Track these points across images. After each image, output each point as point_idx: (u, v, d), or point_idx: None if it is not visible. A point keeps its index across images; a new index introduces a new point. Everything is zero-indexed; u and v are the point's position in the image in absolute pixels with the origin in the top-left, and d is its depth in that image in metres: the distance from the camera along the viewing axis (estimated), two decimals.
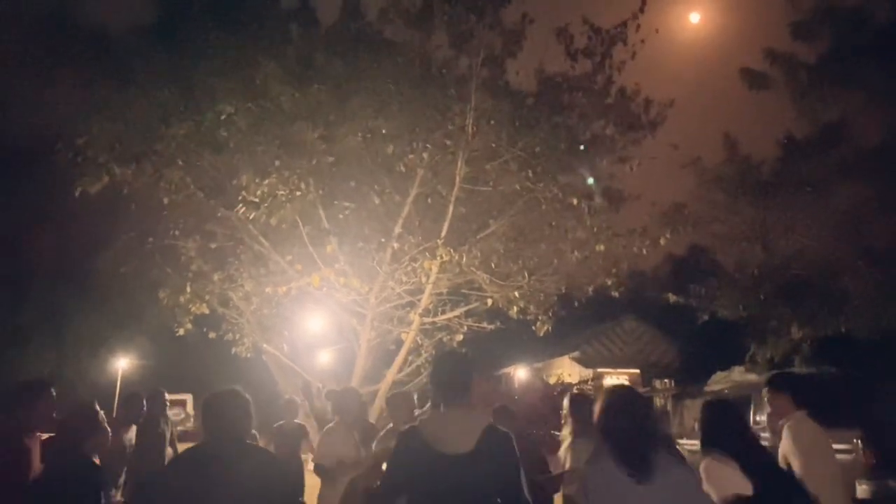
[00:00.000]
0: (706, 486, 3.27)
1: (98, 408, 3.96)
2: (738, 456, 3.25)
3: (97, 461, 3.82)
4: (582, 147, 9.86)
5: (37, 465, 3.92)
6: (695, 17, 20.63)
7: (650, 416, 3.20)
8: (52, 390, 4.19)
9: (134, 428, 6.29)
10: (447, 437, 2.87)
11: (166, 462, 6.13)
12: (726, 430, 3.40)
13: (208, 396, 3.17)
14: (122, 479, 5.91)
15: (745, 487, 3.16)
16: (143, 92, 9.37)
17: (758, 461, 3.29)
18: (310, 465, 7.94)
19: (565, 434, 4.79)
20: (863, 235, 14.84)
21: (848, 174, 15.08)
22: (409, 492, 2.89)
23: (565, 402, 4.90)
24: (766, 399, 4.50)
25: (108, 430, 3.95)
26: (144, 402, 6.46)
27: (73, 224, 16.86)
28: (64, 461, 3.65)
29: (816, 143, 15.87)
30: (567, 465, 4.67)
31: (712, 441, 3.42)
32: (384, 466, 3.29)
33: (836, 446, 7.48)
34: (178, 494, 2.90)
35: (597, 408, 3.10)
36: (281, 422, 7.95)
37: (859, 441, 7.42)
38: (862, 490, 7.25)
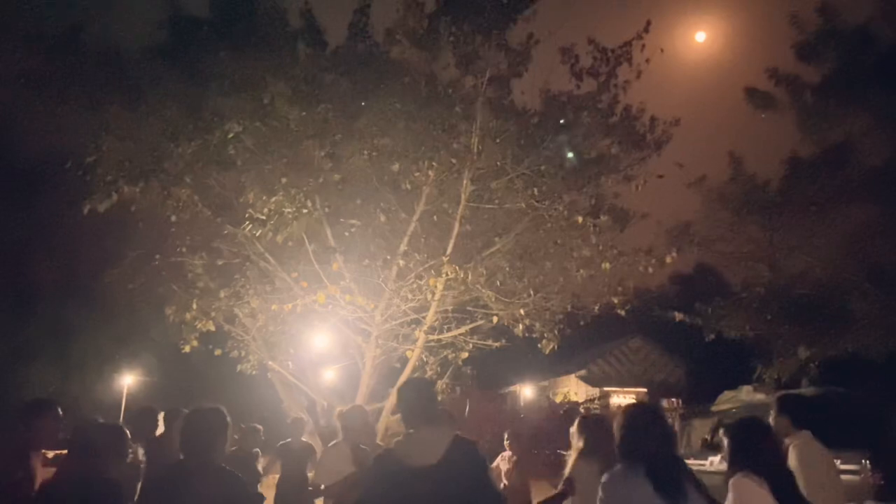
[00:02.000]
0: None
1: (125, 428, 3.90)
2: (769, 477, 3.21)
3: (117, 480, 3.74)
4: (562, 171, 9.82)
5: (38, 482, 3.90)
6: (700, 37, 20.73)
7: (673, 436, 3.20)
8: (59, 409, 4.20)
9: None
10: (417, 453, 3.08)
11: None
12: (758, 449, 3.36)
13: (188, 413, 3.20)
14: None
15: None
16: (152, 111, 9.47)
17: (786, 485, 3.24)
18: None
19: (572, 453, 4.76)
20: (869, 256, 14.79)
21: (854, 195, 15.06)
22: None
23: (574, 425, 4.86)
24: (770, 419, 4.50)
25: (130, 450, 3.90)
26: (160, 418, 6.40)
27: (81, 241, 16.94)
28: (88, 482, 3.55)
29: (822, 163, 15.86)
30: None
31: (743, 459, 3.37)
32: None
33: (844, 467, 7.44)
34: None
35: (616, 427, 3.11)
36: (287, 440, 7.90)
37: (867, 462, 7.37)
38: None
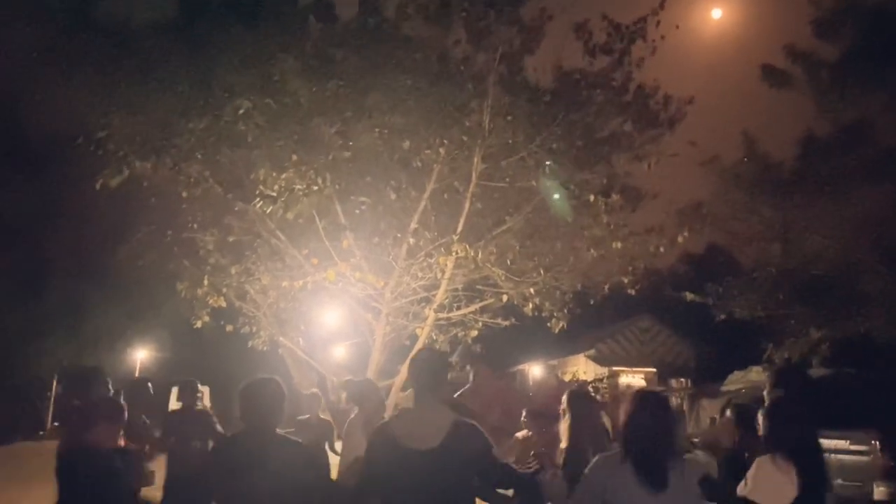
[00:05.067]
0: (749, 483, 3.27)
1: (122, 400, 4.00)
2: (798, 459, 3.21)
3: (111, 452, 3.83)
4: (574, 150, 9.72)
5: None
6: (716, 13, 20.46)
7: (675, 427, 3.19)
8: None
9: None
10: (416, 433, 2.98)
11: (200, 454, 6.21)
12: (791, 430, 3.35)
13: (245, 384, 3.27)
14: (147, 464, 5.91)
15: (789, 495, 3.13)
16: (162, 87, 9.43)
17: (814, 466, 3.24)
18: (335, 459, 8.00)
19: (563, 429, 4.82)
20: (883, 236, 14.68)
21: (868, 174, 14.93)
22: (383, 488, 3.02)
23: (563, 398, 4.93)
24: (765, 392, 4.50)
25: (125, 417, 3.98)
26: (150, 386, 6.50)
27: (93, 217, 17.03)
28: (85, 454, 3.66)
29: (837, 142, 15.71)
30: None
31: (776, 441, 3.37)
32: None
33: (853, 447, 7.45)
34: (217, 489, 3.01)
35: (622, 411, 3.12)
36: (306, 416, 7.95)
37: (877, 443, 7.37)
38: (879, 492, 7.20)
